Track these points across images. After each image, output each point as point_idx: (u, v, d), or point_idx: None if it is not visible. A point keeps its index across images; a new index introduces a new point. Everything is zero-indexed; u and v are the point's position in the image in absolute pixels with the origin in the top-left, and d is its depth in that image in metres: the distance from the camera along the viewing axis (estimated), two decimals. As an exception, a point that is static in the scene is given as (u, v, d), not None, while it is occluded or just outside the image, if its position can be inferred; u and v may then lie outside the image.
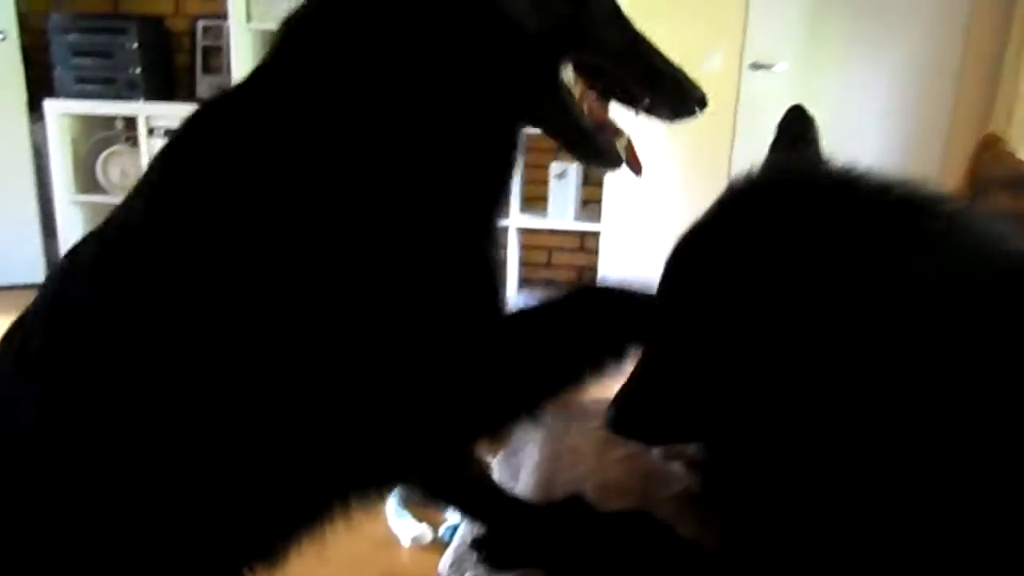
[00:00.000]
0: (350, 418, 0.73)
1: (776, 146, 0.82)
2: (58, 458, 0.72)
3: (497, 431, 0.83)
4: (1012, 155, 0.98)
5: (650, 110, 0.85)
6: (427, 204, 0.74)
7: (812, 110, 3.14)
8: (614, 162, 0.84)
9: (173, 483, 0.72)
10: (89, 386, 0.72)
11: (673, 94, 0.84)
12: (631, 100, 0.84)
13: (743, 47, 3.68)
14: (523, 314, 0.81)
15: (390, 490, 0.88)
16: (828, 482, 0.62)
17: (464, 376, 0.74)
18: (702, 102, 0.85)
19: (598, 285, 0.86)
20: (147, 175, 0.81)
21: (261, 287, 0.70)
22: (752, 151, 3.32)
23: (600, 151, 0.83)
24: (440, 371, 0.73)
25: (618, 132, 0.84)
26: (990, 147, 1.00)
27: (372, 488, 0.80)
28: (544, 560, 0.79)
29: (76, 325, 0.74)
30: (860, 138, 3.75)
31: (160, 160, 0.81)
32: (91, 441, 0.71)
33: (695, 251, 0.72)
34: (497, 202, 0.81)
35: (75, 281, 0.78)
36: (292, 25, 0.80)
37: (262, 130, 0.74)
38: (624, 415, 0.75)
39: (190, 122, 0.81)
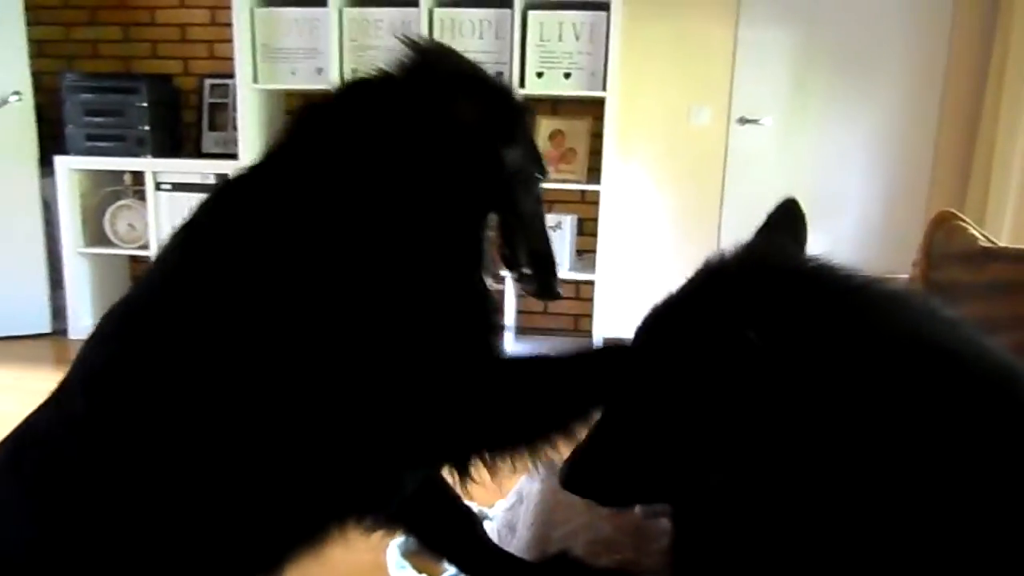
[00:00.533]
0: (355, 439, 0.82)
1: (761, 234, 0.88)
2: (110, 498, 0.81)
3: (490, 458, 0.91)
4: (965, 230, 1.07)
5: (521, 280, 1.03)
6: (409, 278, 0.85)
7: (799, 163, 3.29)
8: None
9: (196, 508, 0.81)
10: (129, 435, 0.81)
11: (546, 279, 1.03)
12: (513, 265, 1.02)
13: (730, 103, 3.83)
14: (524, 361, 0.93)
15: (382, 509, 0.95)
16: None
17: (458, 405, 0.85)
18: (556, 295, 1.04)
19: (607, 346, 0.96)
20: (171, 248, 0.89)
21: (278, 344, 0.80)
22: (740, 201, 3.50)
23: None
24: (439, 401, 0.84)
25: (497, 277, 1.02)
26: (943, 224, 1.09)
27: (366, 505, 0.90)
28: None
29: (114, 388, 0.82)
30: (843, 188, 3.89)
31: (184, 235, 0.90)
32: (132, 481, 0.81)
33: (662, 326, 0.79)
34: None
35: (109, 348, 0.85)
36: (309, 117, 0.90)
37: (279, 217, 0.83)
38: (576, 474, 0.81)
39: (214, 200, 0.90)
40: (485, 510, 2.21)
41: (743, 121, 3.86)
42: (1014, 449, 0.61)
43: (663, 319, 0.80)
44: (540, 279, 1.02)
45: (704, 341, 0.71)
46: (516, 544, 1.15)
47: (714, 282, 0.79)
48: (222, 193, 0.92)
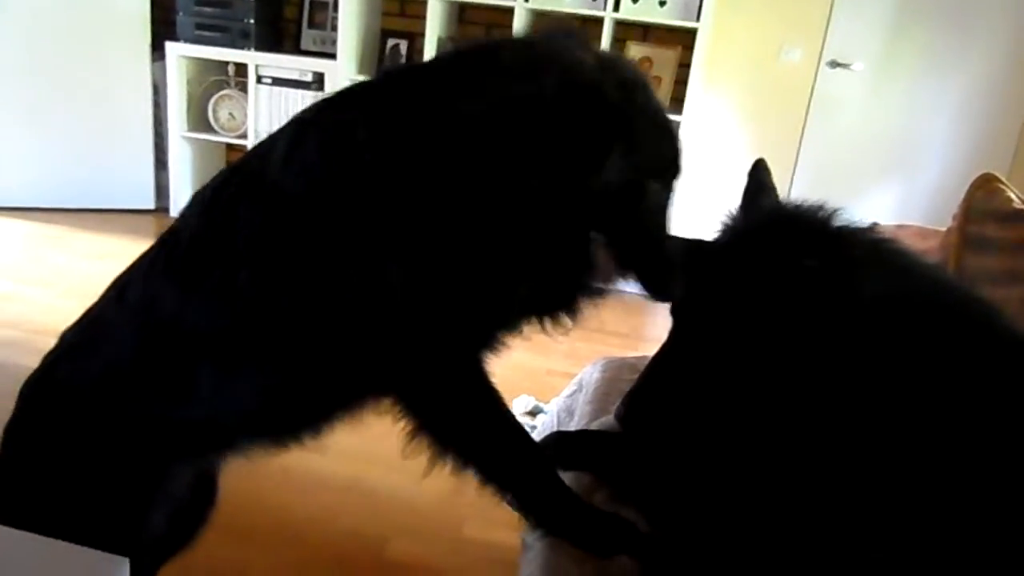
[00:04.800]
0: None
1: (745, 192, 1.00)
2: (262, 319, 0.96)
3: None
4: (1003, 192, 1.18)
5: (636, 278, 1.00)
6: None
7: (884, 112, 3.34)
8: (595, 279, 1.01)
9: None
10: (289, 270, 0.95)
11: (658, 283, 0.99)
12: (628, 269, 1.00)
13: (823, 45, 3.79)
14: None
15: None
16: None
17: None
18: (669, 299, 1.00)
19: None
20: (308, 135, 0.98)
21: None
22: (819, 145, 3.58)
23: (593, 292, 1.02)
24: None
25: (609, 279, 1.01)
26: (983, 185, 1.21)
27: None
28: (595, 464, 1.05)
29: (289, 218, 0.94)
30: (927, 141, 3.86)
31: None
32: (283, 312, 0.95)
33: (704, 276, 0.89)
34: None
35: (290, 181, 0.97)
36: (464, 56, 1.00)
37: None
38: (632, 412, 0.91)
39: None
40: (541, 404, 2.45)
41: (833, 64, 3.83)
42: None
43: (704, 270, 0.90)
44: (648, 283, 0.99)
45: (740, 290, 0.82)
46: (574, 424, 1.35)
47: (745, 238, 0.90)
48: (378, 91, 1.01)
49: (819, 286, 0.77)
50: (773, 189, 0.99)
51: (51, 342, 1.11)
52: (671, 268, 0.98)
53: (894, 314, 0.78)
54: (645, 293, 1.00)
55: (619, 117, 0.89)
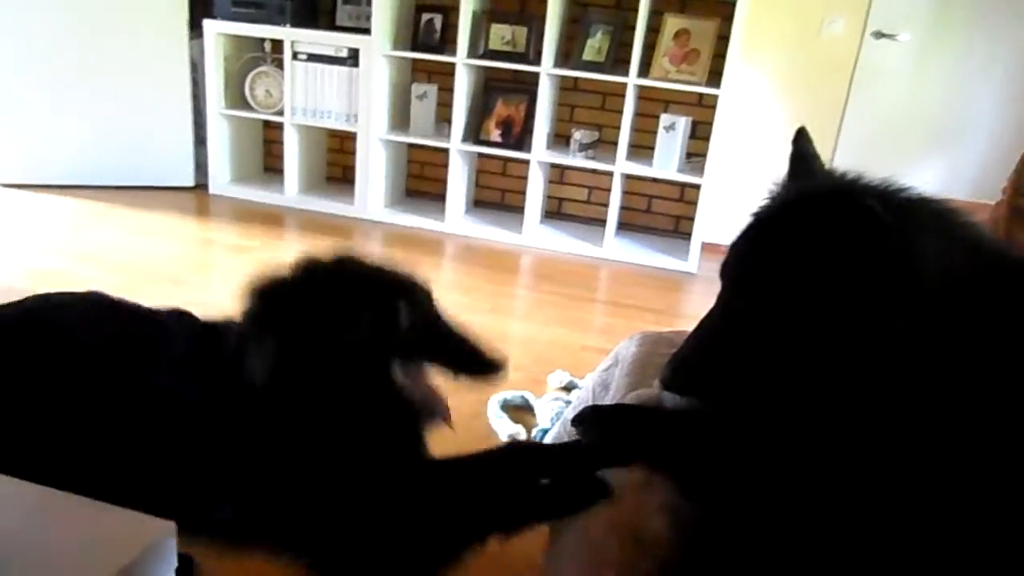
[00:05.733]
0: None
1: (792, 161, 0.98)
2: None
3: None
4: (1052, 166, 1.15)
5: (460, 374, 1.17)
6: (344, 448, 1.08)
7: (931, 84, 3.25)
8: (432, 417, 1.16)
9: None
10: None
11: (475, 368, 1.17)
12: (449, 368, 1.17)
13: (868, 14, 3.69)
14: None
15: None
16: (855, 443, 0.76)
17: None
18: (498, 368, 1.17)
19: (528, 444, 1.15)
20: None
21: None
22: (862, 119, 3.49)
23: (426, 411, 1.15)
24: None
25: (437, 394, 1.17)
26: (1032, 159, 1.18)
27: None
28: (629, 437, 1.05)
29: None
30: (974, 113, 3.74)
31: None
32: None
33: (757, 243, 0.88)
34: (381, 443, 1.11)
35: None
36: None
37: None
38: (678, 375, 0.90)
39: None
40: (576, 379, 2.45)
41: (878, 35, 3.72)
42: None
43: (757, 238, 0.88)
44: (473, 373, 1.16)
45: (831, 217, 0.79)
46: (609, 397, 1.35)
47: (797, 206, 0.87)
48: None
49: (885, 244, 0.75)
50: (818, 157, 0.96)
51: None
52: (480, 352, 1.15)
53: (964, 283, 0.76)
54: (475, 379, 1.16)
55: (391, 282, 1.11)
